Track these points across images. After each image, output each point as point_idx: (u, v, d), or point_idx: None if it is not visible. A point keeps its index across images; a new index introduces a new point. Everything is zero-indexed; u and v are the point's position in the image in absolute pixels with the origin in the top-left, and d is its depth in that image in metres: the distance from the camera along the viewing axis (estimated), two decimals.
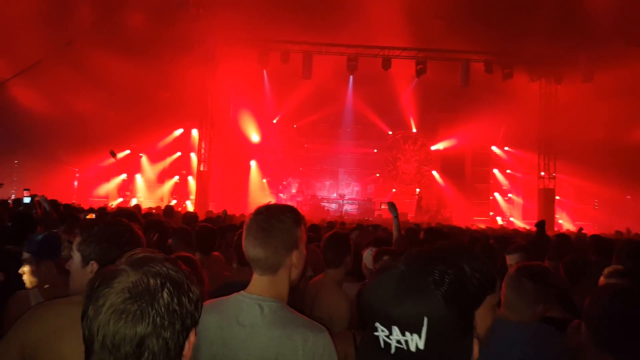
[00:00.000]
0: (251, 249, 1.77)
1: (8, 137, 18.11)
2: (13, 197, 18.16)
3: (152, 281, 1.03)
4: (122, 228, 1.96)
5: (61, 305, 1.80)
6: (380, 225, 9.39)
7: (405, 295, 1.07)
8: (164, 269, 1.06)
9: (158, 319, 1.00)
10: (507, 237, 6.87)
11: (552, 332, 2.33)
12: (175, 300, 1.04)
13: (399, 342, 1.05)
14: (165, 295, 1.02)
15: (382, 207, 5.14)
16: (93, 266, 1.88)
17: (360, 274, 4.09)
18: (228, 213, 10.68)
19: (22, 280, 2.82)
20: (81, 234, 1.95)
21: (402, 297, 1.07)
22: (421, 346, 1.03)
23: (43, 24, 16.36)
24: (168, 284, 1.04)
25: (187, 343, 1.08)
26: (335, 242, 3.32)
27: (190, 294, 1.08)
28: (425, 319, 1.03)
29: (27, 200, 6.46)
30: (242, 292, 1.78)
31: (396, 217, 5.53)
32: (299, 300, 2.51)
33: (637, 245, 3.79)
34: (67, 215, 6.72)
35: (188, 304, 1.07)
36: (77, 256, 1.92)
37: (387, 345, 1.06)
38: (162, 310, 1.01)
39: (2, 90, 17.32)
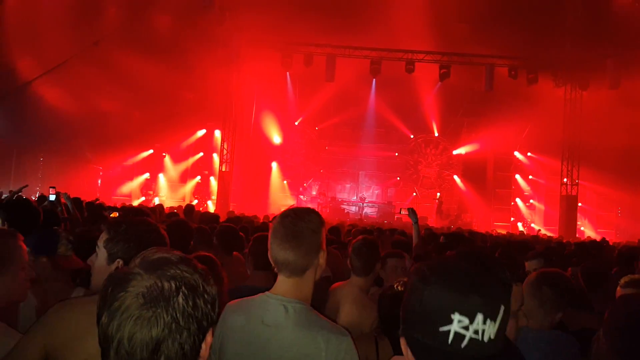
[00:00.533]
0: (281, 252, 1.78)
1: (34, 135, 18.41)
2: (38, 194, 18.49)
3: (166, 285, 1.02)
4: (149, 228, 1.97)
5: (86, 305, 1.77)
6: (397, 230, 9.28)
7: (488, 281, 1.12)
8: (178, 271, 1.05)
9: (173, 324, 1.00)
10: (525, 243, 6.81)
11: (571, 341, 2.35)
12: (191, 303, 1.03)
13: (476, 332, 1.06)
14: (180, 299, 1.01)
15: (402, 212, 5.20)
16: (119, 264, 1.89)
17: (379, 278, 3.95)
18: (248, 215, 10.70)
19: None
20: (109, 231, 1.94)
21: (486, 284, 1.11)
22: (492, 335, 1.07)
23: (70, 24, 16.57)
24: (183, 288, 1.03)
25: (203, 344, 1.07)
26: (366, 248, 3.19)
27: (206, 296, 1.07)
28: (502, 307, 1.09)
29: (52, 197, 6.53)
30: (267, 292, 1.81)
31: (416, 222, 5.46)
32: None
33: None
34: (96, 215, 6.82)
35: (204, 306, 1.05)
36: (102, 253, 1.91)
37: (459, 337, 1.07)
38: (177, 314, 1.00)
39: (29, 88, 17.62)
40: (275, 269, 1.84)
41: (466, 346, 1.06)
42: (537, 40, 17.82)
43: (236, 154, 19.61)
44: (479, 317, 1.07)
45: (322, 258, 1.82)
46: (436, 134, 23.24)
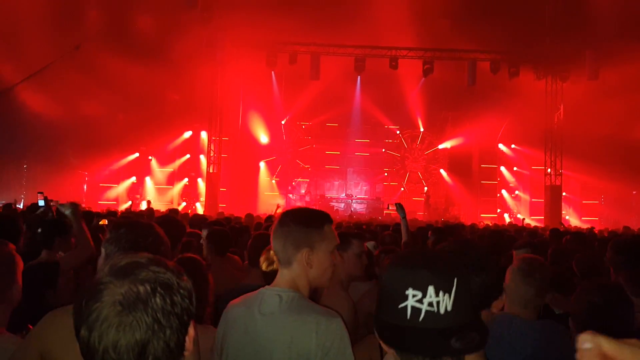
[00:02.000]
0: (272, 242, 1.93)
1: (17, 141, 18.12)
2: (23, 202, 18.21)
3: (141, 288, 1.02)
4: (146, 232, 2.01)
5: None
6: (392, 226, 9.15)
7: (438, 258, 1.22)
8: (150, 273, 1.05)
9: (155, 325, 1.01)
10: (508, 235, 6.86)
11: (560, 328, 2.38)
12: (169, 301, 1.04)
13: (430, 304, 1.14)
14: (157, 299, 1.02)
15: (390, 208, 5.23)
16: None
17: (370, 273, 3.96)
18: (237, 215, 10.65)
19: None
20: (110, 232, 2.01)
21: (436, 260, 1.21)
22: (449, 308, 1.14)
23: (51, 28, 16.38)
24: (158, 288, 1.03)
25: (187, 338, 1.09)
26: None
27: (182, 291, 1.08)
28: (455, 280, 1.16)
29: (41, 203, 6.46)
30: (266, 286, 1.92)
31: (404, 217, 5.46)
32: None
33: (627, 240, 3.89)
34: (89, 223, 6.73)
35: (182, 301, 1.06)
36: (102, 253, 1.98)
37: (416, 312, 1.14)
38: (158, 314, 1.02)
39: (11, 94, 17.34)
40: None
41: (424, 319, 1.14)
42: (517, 34, 18.15)
43: (223, 155, 19.56)
44: (431, 290, 1.15)
45: (306, 255, 1.86)
46: (422, 129, 23.46)
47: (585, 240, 6.93)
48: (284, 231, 1.89)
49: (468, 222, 17.29)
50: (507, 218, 21.62)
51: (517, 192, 23.21)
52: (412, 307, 1.15)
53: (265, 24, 16.88)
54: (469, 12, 17.79)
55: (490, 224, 17.24)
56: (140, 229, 2.02)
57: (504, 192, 23.28)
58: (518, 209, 22.75)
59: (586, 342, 0.83)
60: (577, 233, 8.42)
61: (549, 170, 20.08)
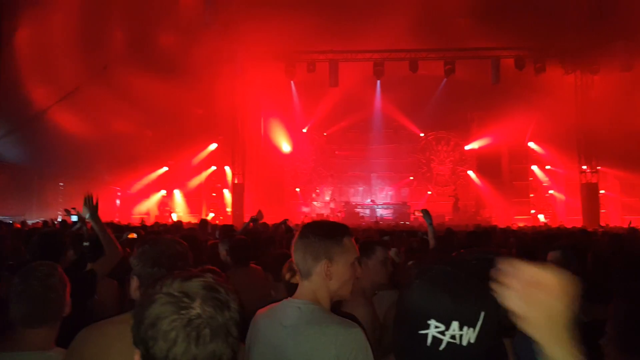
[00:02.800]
0: (293, 254, 1.97)
1: (53, 161, 18.96)
2: (60, 219, 19.03)
3: (213, 302, 1.11)
4: (166, 247, 2.09)
5: (105, 326, 1.96)
6: (419, 232, 8.80)
7: (467, 292, 1.13)
8: (213, 286, 1.13)
9: (227, 337, 1.10)
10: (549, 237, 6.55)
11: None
12: (231, 313, 1.12)
13: (453, 337, 1.10)
14: (226, 312, 1.11)
15: (417, 213, 5.01)
16: (135, 281, 2.05)
17: (395, 281, 3.87)
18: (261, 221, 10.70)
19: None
20: (137, 247, 2.13)
21: (463, 294, 1.13)
22: (472, 340, 1.10)
23: (79, 51, 17.09)
24: (225, 302, 1.12)
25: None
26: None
27: (234, 303, 1.16)
28: (482, 314, 1.11)
29: (74, 218, 6.75)
30: (289, 298, 1.97)
31: (430, 224, 5.37)
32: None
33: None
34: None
35: (236, 314, 1.14)
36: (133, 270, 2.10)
37: (437, 341, 1.11)
38: (230, 326, 1.11)
39: (45, 116, 18.18)
40: None
41: (445, 349, 1.10)
42: (542, 27, 17.47)
43: (247, 166, 19.80)
44: (454, 325, 1.10)
45: (326, 267, 1.89)
46: (446, 131, 22.96)
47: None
48: (304, 243, 1.93)
49: (501, 225, 16.77)
50: (541, 219, 20.78)
51: (551, 191, 22.28)
52: (434, 337, 1.12)
53: (283, 34, 17.01)
54: (489, 8, 17.30)
55: (523, 226, 16.67)
56: (160, 245, 2.11)
57: (537, 192, 22.40)
58: (553, 209, 21.82)
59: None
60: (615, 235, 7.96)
61: (583, 167, 19.20)
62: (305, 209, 20.61)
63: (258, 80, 19.72)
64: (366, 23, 17.21)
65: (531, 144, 22.05)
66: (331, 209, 20.85)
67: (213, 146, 22.03)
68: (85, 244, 4.05)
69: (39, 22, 17.27)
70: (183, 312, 1.07)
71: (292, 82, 20.28)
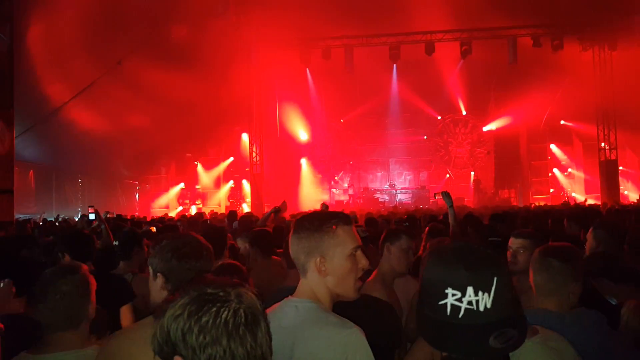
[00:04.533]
0: (290, 250, 1.84)
1: (70, 157, 19.00)
2: (80, 214, 19.10)
3: (254, 304, 1.13)
4: (185, 241, 2.03)
5: (131, 332, 1.93)
6: (437, 217, 8.76)
7: (479, 260, 1.22)
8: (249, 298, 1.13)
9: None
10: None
11: (595, 318, 2.21)
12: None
13: (469, 302, 1.17)
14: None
15: (437, 197, 5.07)
16: (159, 279, 1.98)
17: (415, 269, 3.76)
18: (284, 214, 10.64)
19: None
20: (153, 247, 2.06)
21: (476, 262, 1.21)
22: (489, 305, 1.16)
23: (93, 46, 17.02)
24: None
25: None
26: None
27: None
28: (495, 279, 1.18)
29: (92, 216, 6.70)
30: (289, 296, 1.83)
31: (451, 206, 5.31)
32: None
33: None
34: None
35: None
36: (150, 269, 2.03)
37: (455, 309, 1.18)
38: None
39: (61, 113, 18.17)
40: None
41: (463, 316, 1.17)
42: (558, 4, 17.28)
43: (265, 155, 19.80)
44: (470, 290, 1.17)
45: (320, 263, 1.76)
46: (464, 113, 22.85)
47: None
48: (296, 239, 1.80)
49: (520, 205, 16.72)
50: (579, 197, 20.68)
51: (570, 169, 22.20)
52: (452, 305, 1.18)
53: (296, 21, 16.88)
54: None
55: (542, 205, 16.63)
56: (178, 239, 2.06)
57: (555, 170, 22.33)
58: (572, 187, 21.77)
59: None
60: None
61: (602, 144, 19.12)
62: (325, 198, 20.59)
63: (273, 68, 19.62)
64: (380, 7, 17.05)
65: (549, 123, 21.94)
66: (350, 195, 20.85)
67: (230, 137, 22.04)
68: (115, 242, 4.07)
69: (52, 19, 17.17)
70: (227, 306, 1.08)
71: (307, 69, 20.18)
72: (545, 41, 18.05)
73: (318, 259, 1.75)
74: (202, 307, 1.05)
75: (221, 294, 1.07)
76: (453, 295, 1.18)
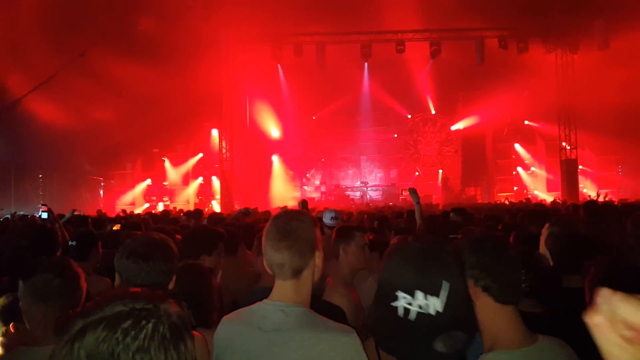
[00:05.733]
0: (275, 254, 1.70)
1: (30, 152, 18.21)
2: (40, 212, 18.34)
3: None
4: (143, 241, 2.03)
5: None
6: (404, 213, 8.82)
7: (429, 264, 1.24)
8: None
9: None
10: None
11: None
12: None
13: (420, 306, 1.18)
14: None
15: (404, 193, 5.15)
16: (117, 278, 1.98)
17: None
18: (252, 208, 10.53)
19: None
20: (118, 249, 2.04)
21: (425, 265, 1.23)
22: (440, 309, 1.18)
23: (54, 37, 16.36)
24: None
25: None
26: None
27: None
28: (445, 283, 1.19)
29: (44, 215, 6.42)
30: (265, 300, 1.75)
31: (418, 203, 5.38)
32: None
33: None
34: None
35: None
36: (117, 279, 2.02)
37: (407, 312, 1.19)
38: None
39: (20, 106, 17.40)
40: (271, 273, 1.78)
41: (416, 319, 1.19)
42: (524, 7, 17.82)
43: (236, 151, 19.56)
44: (419, 294, 1.19)
45: (318, 258, 1.75)
46: (433, 112, 23.27)
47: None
48: (291, 238, 1.69)
49: (484, 202, 17.17)
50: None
51: (532, 168, 23.00)
52: (404, 308, 1.20)
53: (268, 17, 16.75)
54: None
55: (507, 202, 17.15)
56: (138, 241, 2.04)
57: (519, 169, 23.08)
58: (535, 185, 22.56)
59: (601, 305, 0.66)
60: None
61: (563, 144, 19.88)
62: (296, 194, 20.55)
63: (244, 63, 19.39)
64: (352, 5, 17.12)
65: (514, 123, 22.64)
66: (322, 192, 20.89)
67: (199, 133, 21.65)
68: (72, 243, 3.81)
69: (10, 5, 16.38)
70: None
71: (279, 65, 20.03)
72: (511, 43, 18.58)
73: (317, 255, 1.75)
74: (138, 324, 0.93)
75: (150, 307, 0.96)
76: (404, 298, 1.20)
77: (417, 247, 1.28)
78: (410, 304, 1.19)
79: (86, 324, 0.92)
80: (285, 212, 1.81)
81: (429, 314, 1.18)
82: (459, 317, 1.20)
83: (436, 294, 1.18)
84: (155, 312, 0.95)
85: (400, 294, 1.20)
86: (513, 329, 1.54)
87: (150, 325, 0.93)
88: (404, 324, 1.19)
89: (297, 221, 1.72)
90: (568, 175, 19.68)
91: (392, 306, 1.21)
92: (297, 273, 1.71)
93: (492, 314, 1.52)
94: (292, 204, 18.43)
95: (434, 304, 1.18)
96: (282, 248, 1.68)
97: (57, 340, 0.94)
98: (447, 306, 1.18)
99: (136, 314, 0.94)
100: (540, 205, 12.36)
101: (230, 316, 1.80)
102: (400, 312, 1.20)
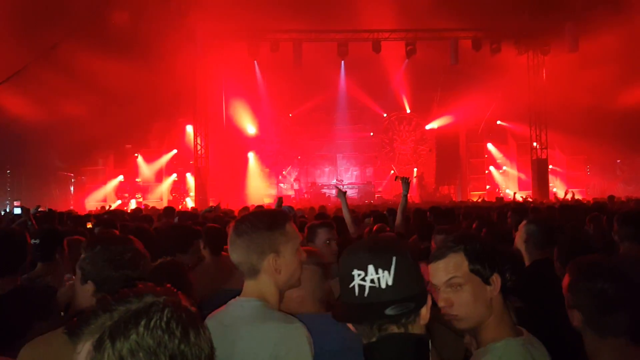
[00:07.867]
0: (232, 254, 1.83)
1: None
2: (8, 209, 17.87)
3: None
4: (124, 248, 1.96)
5: (50, 337, 1.75)
6: (381, 211, 8.69)
7: (379, 241, 1.43)
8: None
9: None
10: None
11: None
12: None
13: (372, 281, 1.28)
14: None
15: (397, 179, 5.30)
16: (90, 285, 1.90)
17: None
18: (223, 207, 10.42)
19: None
20: (85, 250, 1.96)
21: (376, 243, 1.39)
22: (390, 282, 1.28)
23: (24, 29, 16.00)
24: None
25: None
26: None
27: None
28: (394, 258, 1.30)
29: (17, 211, 6.20)
30: (237, 297, 1.84)
31: (405, 196, 5.53)
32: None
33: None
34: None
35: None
36: (78, 272, 1.94)
37: (362, 288, 1.29)
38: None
39: None
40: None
41: (368, 294, 1.29)
42: (497, 9, 18.13)
43: (211, 148, 19.39)
44: (371, 268, 1.29)
45: (273, 261, 1.78)
46: (408, 111, 23.49)
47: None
48: (245, 240, 1.78)
49: (458, 200, 17.41)
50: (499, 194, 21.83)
51: (504, 167, 23.44)
52: (359, 285, 1.30)
53: (245, 12, 16.65)
54: None
55: (479, 201, 17.47)
56: (116, 245, 1.96)
57: (492, 168, 23.50)
58: (506, 184, 23.00)
59: None
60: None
61: (534, 144, 20.32)
62: (272, 192, 20.48)
63: (220, 59, 19.24)
64: (330, 3, 17.18)
65: (487, 123, 23.03)
66: (295, 190, 20.88)
67: (173, 129, 21.40)
68: (34, 241, 3.38)
69: None
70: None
71: (255, 62, 19.93)
72: (484, 44, 18.90)
73: (272, 257, 1.78)
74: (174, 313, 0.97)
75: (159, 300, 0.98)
76: (358, 275, 1.30)
77: (373, 237, 1.39)
78: (364, 279, 1.28)
79: (119, 335, 0.91)
80: (246, 216, 1.88)
81: (380, 288, 1.27)
82: (410, 293, 1.29)
83: (387, 268, 1.28)
84: (177, 302, 1.02)
85: (355, 272, 1.30)
86: (511, 322, 1.68)
87: (183, 314, 0.99)
88: (360, 302, 1.28)
89: (246, 225, 1.80)
90: (539, 174, 20.16)
91: (350, 288, 1.31)
92: (253, 272, 1.80)
93: (501, 307, 1.65)
94: (268, 201, 18.37)
95: (385, 278, 1.27)
96: (233, 250, 1.82)
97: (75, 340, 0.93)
98: (396, 279, 1.28)
99: (160, 306, 0.98)
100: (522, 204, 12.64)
101: (212, 314, 1.87)
102: (357, 291, 1.29)
